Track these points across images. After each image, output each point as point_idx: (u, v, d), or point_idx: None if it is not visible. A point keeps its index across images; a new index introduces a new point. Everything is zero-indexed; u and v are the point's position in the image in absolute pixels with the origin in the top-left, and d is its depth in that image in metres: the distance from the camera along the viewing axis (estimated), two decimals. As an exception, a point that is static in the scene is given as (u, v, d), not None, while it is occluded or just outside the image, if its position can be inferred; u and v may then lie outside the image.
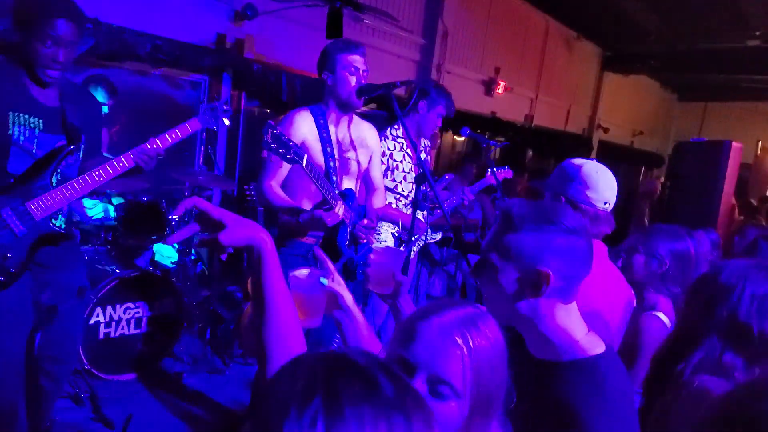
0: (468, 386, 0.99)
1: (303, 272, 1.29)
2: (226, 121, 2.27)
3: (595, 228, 1.83)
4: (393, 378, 0.64)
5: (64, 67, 1.98)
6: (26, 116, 1.99)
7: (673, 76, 12.09)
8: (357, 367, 0.64)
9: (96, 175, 2.02)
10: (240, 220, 1.09)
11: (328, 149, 2.45)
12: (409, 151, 3.41)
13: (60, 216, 2.10)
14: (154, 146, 2.10)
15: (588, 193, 1.80)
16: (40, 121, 2.02)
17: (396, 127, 3.41)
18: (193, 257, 3.96)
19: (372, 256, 1.54)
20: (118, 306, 3.20)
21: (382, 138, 3.34)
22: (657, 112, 13.67)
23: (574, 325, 1.26)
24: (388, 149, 3.32)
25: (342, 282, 1.39)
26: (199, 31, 5.13)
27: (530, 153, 10.03)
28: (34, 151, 2.01)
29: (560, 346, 1.24)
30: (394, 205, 3.35)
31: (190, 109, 5.40)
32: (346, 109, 2.53)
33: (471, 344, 1.00)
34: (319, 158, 2.44)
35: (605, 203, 1.82)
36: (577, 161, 1.89)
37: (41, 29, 1.90)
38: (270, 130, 1.92)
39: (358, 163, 2.61)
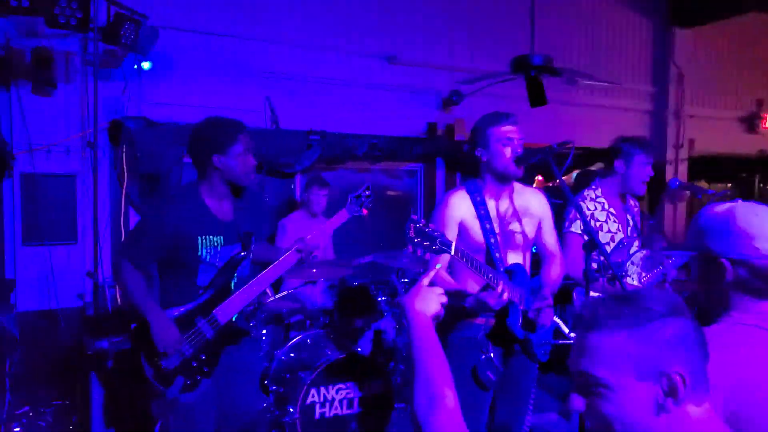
0: None
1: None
2: (365, 210, 2.44)
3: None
4: None
5: (255, 171, 2.38)
6: (211, 237, 2.35)
7: None
8: None
9: (266, 277, 2.31)
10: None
11: (488, 226, 2.38)
12: (612, 210, 3.11)
13: (236, 313, 2.42)
14: (314, 241, 2.33)
15: (756, 243, 1.38)
16: (221, 237, 2.37)
17: (593, 187, 3.17)
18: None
19: None
20: (330, 387, 3.46)
21: (580, 200, 3.13)
22: None
23: None
24: (587, 210, 3.07)
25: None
26: (410, 125, 5.57)
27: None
28: (217, 263, 2.37)
29: None
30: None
31: (408, 196, 5.80)
32: (504, 180, 2.45)
33: None
34: (479, 236, 2.39)
35: None
36: (720, 209, 1.46)
37: (235, 147, 2.31)
38: (413, 225, 1.97)
39: (524, 234, 2.47)
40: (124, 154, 4.16)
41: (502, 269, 2.34)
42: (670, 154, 6.92)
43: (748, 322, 1.36)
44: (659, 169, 6.75)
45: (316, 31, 5.12)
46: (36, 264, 4.01)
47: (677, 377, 0.99)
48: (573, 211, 3.09)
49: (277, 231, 4.38)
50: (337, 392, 3.49)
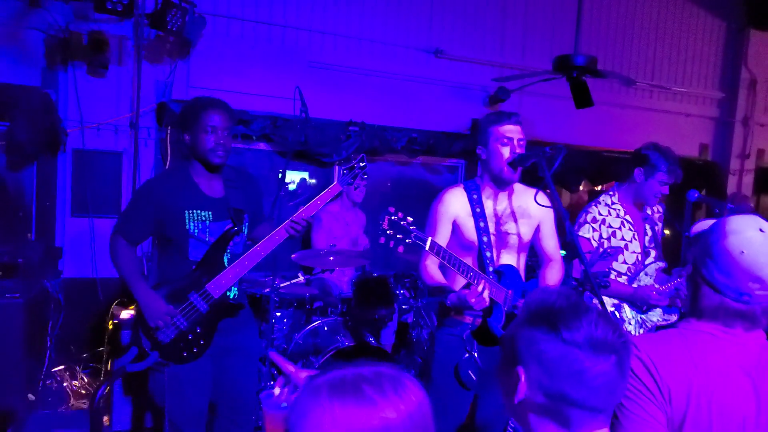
0: None
1: (276, 391, 1.23)
2: (365, 176, 2.43)
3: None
4: None
5: (225, 149, 2.40)
6: (198, 211, 2.42)
7: None
8: None
9: (258, 250, 2.37)
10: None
11: (481, 224, 2.34)
12: (628, 218, 2.99)
13: (232, 287, 2.48)
14: (303, 215, 2.36)
15: (716, 273, 1.32)
16: (210, 213, 2.44)
17: (611, 193, 3.06)
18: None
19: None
20: (339, 373, 3.51)
21: (594, 204, 3.02)
22: None
23: None
24: (600, 215, 2.97)
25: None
26: (453, 120, 5.51)
27: None
28: (207, 239, 2.44)
29: None
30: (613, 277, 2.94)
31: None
32: (500, 184, 2.40)
33: None
34: (472, 234, 2.35)
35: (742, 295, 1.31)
36: (735, 224, 1.37)
37: (201, 123, 2.36)
38: (387, 217, 1.97)
39: (519, 235, 2.41)
40: (168, 135, 4.37)
41: (491, 269, 2.30)
42: (734, 165, 6.50)
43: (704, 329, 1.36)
44: (719, 178, 6.39)
45: (361, 22, 5.16)
46: (82, 234, 4.29)
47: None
48: (584, 214, 2.99)
49: (313, 221, 4.47)
50: (345, 380, 3.54)
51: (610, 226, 2.97)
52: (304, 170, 5.25)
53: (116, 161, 4.37)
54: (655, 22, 6.24)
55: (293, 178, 5.29)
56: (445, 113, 5.48)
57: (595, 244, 2.91)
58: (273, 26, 4.89)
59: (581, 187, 6.23)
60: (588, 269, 1.91)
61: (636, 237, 2.96)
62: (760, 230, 1.34)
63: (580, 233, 2.91)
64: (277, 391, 1.23)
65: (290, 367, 1.22)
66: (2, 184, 4.31)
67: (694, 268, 1.41)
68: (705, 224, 1.50)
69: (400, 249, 1.91)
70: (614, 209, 2.99)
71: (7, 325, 3.38)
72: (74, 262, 4.30)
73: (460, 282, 2.33)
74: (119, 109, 4.36)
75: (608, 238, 2.95)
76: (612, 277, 2.94)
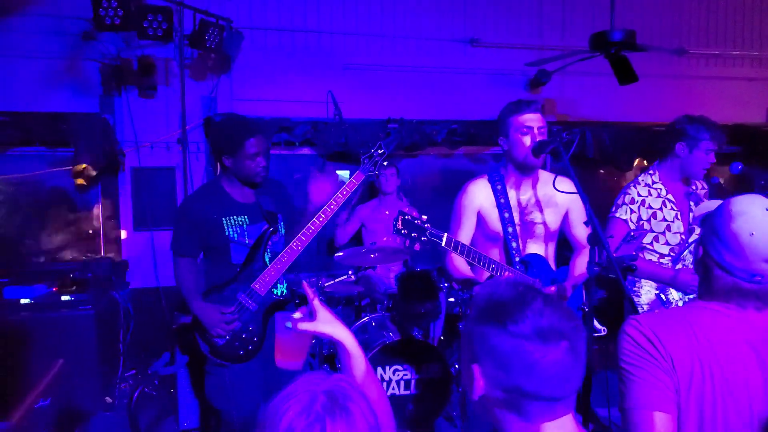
0: None
1: (296, 315, 1.35)
2: (385, 163, 2.47)
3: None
4: None
5: (266, 170, 2.54)
6: (235, 217, 2.58)
7: None
8: None
9: (295, 246, 2.48)
10: (328, 316, 1.32)
11: (506, 215, 2.34)
12: (670, 197, 2.89)
13: (278, 285, 2.62)
14: (332, 207, 2.44)
15: (728, 256, 1.32)
16: (246, 217, 2.59)
17: (651, 172, 2.96)
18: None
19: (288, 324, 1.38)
20: (387, 367, 3.60)
21: (633, 185, 2.94)
22: None
23: None
24: (639, 196, 2.88)
25: (330, 318, 1.34)
26: (493, 107, 5.40)
27: None
28: (246, 242, 2.58)
29: None
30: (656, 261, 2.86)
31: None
32: (525, 170, 2.39)
33: None
34: (496, 225, 2.36)
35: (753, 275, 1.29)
36: (741, 205, 1.35)
37: (244, 150, 2.49)
38: (401, 216, 2.02)
39: (545, 224, 2.39)
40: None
41: (518, 259, 2.30)
42: (805, 130, 6.08)
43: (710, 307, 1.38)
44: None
45: (394, 20, 5.21)
46: (144, 247, 4.59)
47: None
48: (622, 196, 2.91)
49: (351, 216, 4.60)
50: (394, 373, 3.62)
51: (650, 207, 2.88)
52: (347, 170, 5.36)
53: (170, 176, 4.64)
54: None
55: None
56: (484, 101, 5.42)
57: (633, 226, 2.83)
58: (308, 33, 5.02)
59: (635, 164, 6.01)
60: (610, 254, 1.89)
61: (679, 216, 2.85)
62: (767, 209, 1.32)
63: (618, 215, 2.84)
64: (297, 315, 1.35)
65: (315, 301, 1.35)
66: (72, 205, 4.68)
67: (704, 252, 1.39)
68: (709, 205, 1.47)
69: (417, 247, 1.96)
70: (655, 189, 2.89)
71: (81, 334, 3.69)
72: (139, 274, 4.60)
73: (487, 274, 2.35)
74: (169, 126, 4.62)
75: (648, 220, 2.86)
76: (654, 259, 2.87)
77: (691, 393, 1.28)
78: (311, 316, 1.34)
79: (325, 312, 1.34)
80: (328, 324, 1.33)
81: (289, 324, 1.34)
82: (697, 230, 2.92)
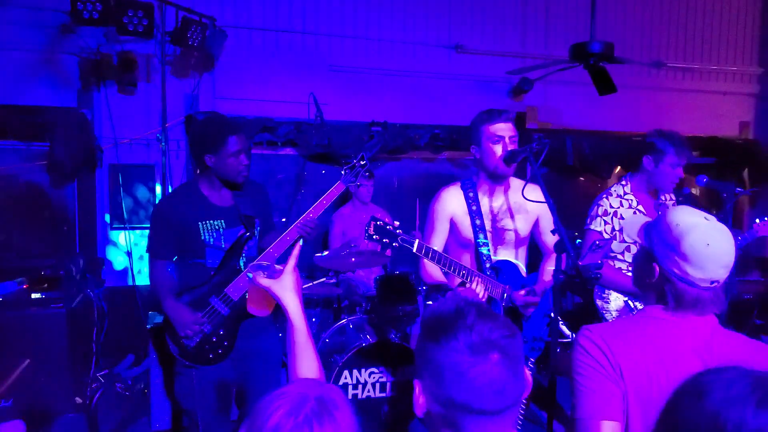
0: None
1: (278, 267, 1.45)
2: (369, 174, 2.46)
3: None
4: None
5: (248, 168, 2.51)
6: (211, 221, 2.54)
7: None
8: None
9: (272, 252, 2.46)
10: (289, 283, 1.40)
11: (478, 222, 2.36)
12: (641, 207, 2.93)
13: None
14: (311, 216, 2.43)
15: (690, 270, 1.34)
16: (222, 221, 2.56)
17: (623, 182, 3.00)
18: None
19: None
20: (363, 370, 3.59)
21: (605, 196, 2.98)
22: None
23: None
24: (611, 207, 2.92)
25: (290, 285, 1.40)
26: (476, 113, 5.47)
27: None
28: (222, 246, 2.55)
29: None
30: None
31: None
32: (496, 179, 2.42)
33: None
34: (468, 232, 2.38)
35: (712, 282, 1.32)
36: (684, 219, 1.39)
37: (227, 148, 2.46)
38: (373, 222, 2.03)
39: (516, 231, 2.41)
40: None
41: (488, 265, 2.32)
42: (780, 143, 6.21)
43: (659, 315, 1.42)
44: (762, 156, 6.10)
45: (379, 23, 5.22)
46: (120, 245, 4.53)
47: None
48: (595, 207, 2.95)
49: (330, 223, 4.58)
50: (369, 375, 3.61)
51: (622, 218, 2.92)
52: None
53: (149, 174, 4.59)
54: (684, 1, 6.03)
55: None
56: (467, 107, 5.38)
57: (607, 237, 2.87)
58: (293, 33, 5.01)
59: (615, 172, 6.09)
60: (575, 262, 1.91)
61: None
62: (705, 218, 1.39)
63: (592, 227, 2.87)
64: (279, 267, 1.45)
65: (290, 266, 1.45)
66: (47, 201, 4.60)
67: (661, 273, 1.40)
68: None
69: (388, 252, 1.96)
70: (626, 200, 2.94)
71: (52, 333, 3.61)
72: (115, 272, 4.54)
73: (458, 280, 2.36)
74: (150, 123, 4.57)
75: (620, 230, 2.90)
76: (624, 268, 2.90)
77: (637, 400, 1.32)
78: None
79: (290, 278, 1.42)
80: (283, 288, 1.41)
81: (250, 275, 1.44)
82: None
